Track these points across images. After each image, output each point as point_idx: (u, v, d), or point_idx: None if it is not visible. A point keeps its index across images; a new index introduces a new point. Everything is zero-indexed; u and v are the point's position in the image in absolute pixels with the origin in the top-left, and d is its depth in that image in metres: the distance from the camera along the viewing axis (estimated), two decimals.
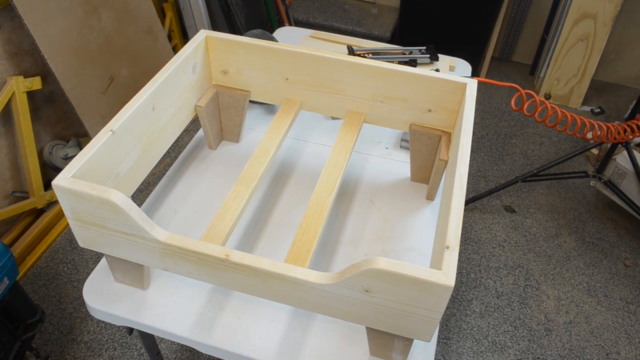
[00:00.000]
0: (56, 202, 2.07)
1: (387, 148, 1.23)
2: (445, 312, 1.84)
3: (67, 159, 2.08)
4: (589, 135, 1.71)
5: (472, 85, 0.94)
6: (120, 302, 0.88)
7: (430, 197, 1.08)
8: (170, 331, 0.84)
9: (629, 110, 2.13)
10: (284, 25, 2.98)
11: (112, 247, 0.78)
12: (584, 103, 2.94)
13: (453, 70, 1.50)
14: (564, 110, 1.45)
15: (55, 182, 0.72)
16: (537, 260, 2.06)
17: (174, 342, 1.72)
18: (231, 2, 2.63)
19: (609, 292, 1.95)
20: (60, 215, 2.09)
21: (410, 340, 0.75)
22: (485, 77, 3.07)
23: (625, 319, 1.86)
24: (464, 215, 2.24)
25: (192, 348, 0.85)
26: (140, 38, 2.36)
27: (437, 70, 1.41)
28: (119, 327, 1.76)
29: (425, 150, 1.04)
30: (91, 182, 0.71)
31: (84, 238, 0.79)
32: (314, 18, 3.16)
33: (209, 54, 1.06)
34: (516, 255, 2.08)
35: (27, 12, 1.78)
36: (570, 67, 2.81)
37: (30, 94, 1.92)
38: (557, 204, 2.31)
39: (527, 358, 1.73)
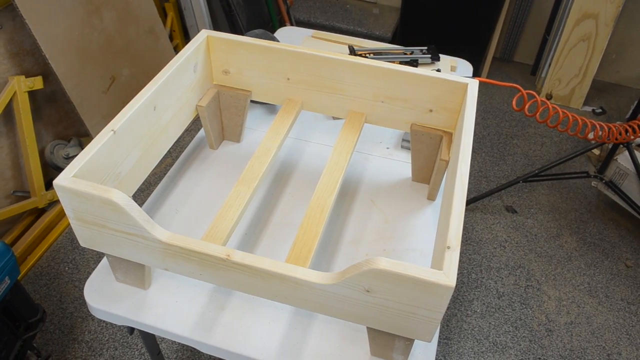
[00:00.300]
0: (57, 201, 2.07)
1: (388, 148, 1.23)
2: (446, 312, 1.84)
3: (69, 158, 2.08)
4: (591, 135, 1.71)
5: (474, 85, 0.94)
6: (121, 302, 0.88)
7: (431, 197, 1.08)
8: (171, 331, 0.84)
9: (631, 111, 2.12)
10: (285, 25, 2.98)
11: (113, 246, 0.79)
12: (585, 103, 2.94)
13: (454, 71, 1.50)
14: (565, 111, 1.45)
15: (56, 182, 0.72)
16: (538, 260, 2.06)
17: (174, 341, 1.72)
18: (232, 2, 2.63)
19: (610, 293, 1.95)
20: (62, 214, 2.09)
21: (411, 341, 0.75)
22: (487, 77, 3.07)
23: (627, 319, 1.86)
24: (465, 215, 2.24)
25: (193, 348, 0.85)
26: (142, 38, 2.37)
27: (438, 70, 1.41)
28: (119, 326, 1.76)
29: (427, 151, 1.04)
30: (92, 182, 0.72)
31: (85, 238, 0.79)
32: (315, 18, 3.16)
33: (210, 53, 1.06)
34: (517, 255, 2.07)
35: (29, 11, 1.78)
36: (571, 68, 2.80)
37: (32, 94, 1.92)
38: (558, 204, 2.31)
39: (528, 358, 1.73)
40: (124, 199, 0.70)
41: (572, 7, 2.64)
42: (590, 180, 2.40)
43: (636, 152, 2.02)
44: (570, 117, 1.48)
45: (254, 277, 0.71)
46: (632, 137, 1.78)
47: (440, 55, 1.50)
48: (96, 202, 0.71)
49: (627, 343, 1.79)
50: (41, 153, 2.02)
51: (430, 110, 1.00)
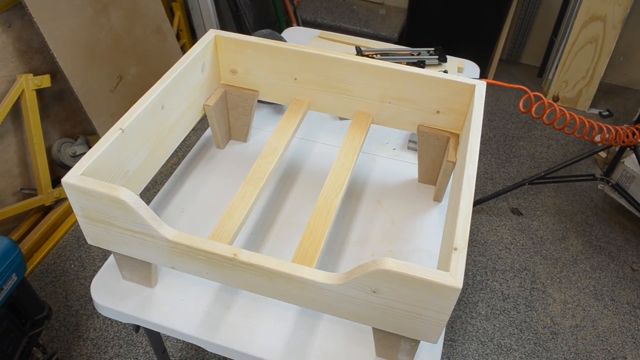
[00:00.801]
0: (64, 199, 2.08)
1: (394, 149, 1.23)
2: (450, 314, 1.84)
3: (75, 156, 2.09)
4: (597, 138, 1.70)
5: (481, 86, 0.94)
6: (127, 300, 0.88)
7: (437, 198, 1.08)
8: (177, 329, 0.85)
9: (638, 114, 2.11)
10: (291, 26, 2.98)
11: (120, 244, 0.79)
12: (592, 106, 2.93)
13: (461, 72, 1.50)
14: (572, 113, 1.45)
15: (65, 180, 0.72)
16: (543, 263, 2.05)
17: (179, 340, 1.73)
18: (239, 2, 2.63)
19: (615, 296, 1.94)
20: (68, 212, 2.10)
21: (417, 342, 0.75)
22: (493, 79, 3.06)
23: (632, 323, 1.85)
24: (471, 217, 2.23)
25: (198, 346, 0.85)
26: (149, 37, 2.37)
27: (445, 71, 1.41)
28: (124, 324, 1.77)
29: (433, 152, 1.04)
30: (100, 180, 0.72)
31: (93, 235, 0.80)
32: (322, 18, 3.16)
33: (218, 53, 1.07)
34: (522, 257, 2.07)
35: (38, 10, 1.79)
36: (578, 70, 2.79)
37: (40, 92, 1.93)
38: (564, 206, 2.30)
39: None
40: (131, 197, 0.70)
41: (579, 9, 2.63)
42: (596, 183, 2.39)
43: None
44: (577, 119, 1.48)
45: (260, 276, 0.71)
46: (639, 140, 1.78)
47: (447, 56, 1.50)
48: (104, 200, 0.71)
49: (632, 347, 1.78)
50: (48, 151, 2.04)
51: (437, 112, 1.00)
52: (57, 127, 2.11)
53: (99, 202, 0.72)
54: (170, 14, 2.81)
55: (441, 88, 0.96)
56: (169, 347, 1.72)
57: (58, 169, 2.10)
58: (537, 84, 3.13)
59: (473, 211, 2.27)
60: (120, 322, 1.75)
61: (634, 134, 1.76)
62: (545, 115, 1.35)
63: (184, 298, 0.89)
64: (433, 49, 1.49)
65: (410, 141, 1.23)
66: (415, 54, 1.47)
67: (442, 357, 1.69)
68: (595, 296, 1.94)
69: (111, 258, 0.93)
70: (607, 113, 2.88)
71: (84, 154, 0.72)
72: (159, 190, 1.08)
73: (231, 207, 0.87)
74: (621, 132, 1.72)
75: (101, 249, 2.00)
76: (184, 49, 2.80)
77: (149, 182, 0.93)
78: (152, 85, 0.90)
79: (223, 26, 2.92)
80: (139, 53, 2.31)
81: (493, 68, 3.07)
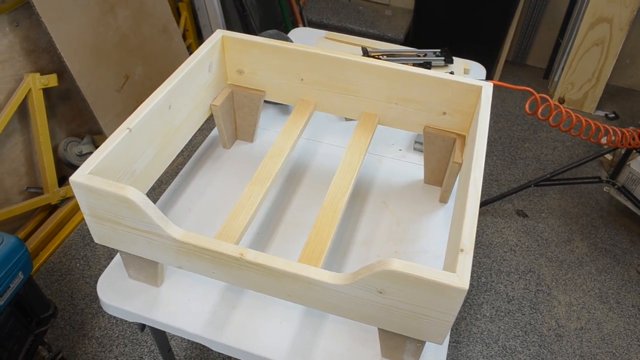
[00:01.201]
0: (70, 198, 2.09)
1: (400, 150, 1.23)
2: (456, 315, 1.83)
3: (82, 155, 2.10)
4: (604, 140, 1.69)
5: (488, 88, 0.94)
6: (133, 299, 0.88)
7: (443, 199, 1.08)
8: (183, 328, 0.85)
9: None
10: (297, 26, 2.99)
11: (127, 243, 0.79)
12: (598, 108, 2.92)
13: (467, 73, 1.50)
14: (578, 115, 1.44)
15: (72, 179, 0.72)
16: (548, 265, 2.05)
17: (183, 339, 1.73)
18: (246, 2, 2.64)
19: (621, 299, 1.93)
20: (74, 211, 2.11)
21: (422, 343, 0.75)
22: (499, 81, 3.06)
23: (637, 326, 1.85)
24: None
25: (202, 345, 0.86)
26: (156, 37, 2.38)
27: (451, 72, 1.41)
28: (129, 323, 1.77)
29: (439, 153, 1.04)
30: (108, 179, 0.72)
31: (100, 234, 0.80)
32: (328, 19, 3.16)
33: (225, 53, 1.07)
34: (528, 259, 2.06)
35: (45, 10, 1.80)
36: (584, 72, 2.78)
37: (47, 91, 1.94)
38: (569, 209, 2.30)
39: None
40: (139, 197, 0.70)
41: (586, 10, 2.63)
42: (602, 185, 2.38)
43: None
44: (584, 121, 1.47)
45: (267, 276, 0.71)
46: None
47: (453, 57, 1.50)
48: (111, 199, 0.71)
49: (637, 350, 1.78)
50: (55, 150, 2.04)
51: (444, 113, 1.00)
52: (63, 126, 2.12)
53: (107, 201, 0.72)
54: (177, 14, 2.82)
55: (447, 89, 0.96)
56: (173, 346, 1.73)
57: (64, 167, 2.11)
58: (543, 86, 3.13)
59: (478, 213, 2.26)
60: (125, 321, 1.75)
61: None
62: (551, 117, 1.34)
63: (190, 297, 0.89)
64: (439, 50, 1.49)
65: (416, 142, 1.23)
66: (421, 55, 1.47)
67: (447, 358, 1.69)
68: (600, 299, 1.93)
69: (117, 257, 0.93)
70: (613, 115, 2.87)
71: (90, 153, 0.72)
72: (165, 189, 1.08)
73: (237, 207, 0.87)
74: (627, 134, 1.71)
75: (106, 248, 2.01)
76: (190, 49, 2.81)
77: (155, 182, 0.93)
78: (158, 85, 0.90)
79: (229, 27, 2.92)
80: (146, 53, 2.32)
81: (499, 70, 3.07)
